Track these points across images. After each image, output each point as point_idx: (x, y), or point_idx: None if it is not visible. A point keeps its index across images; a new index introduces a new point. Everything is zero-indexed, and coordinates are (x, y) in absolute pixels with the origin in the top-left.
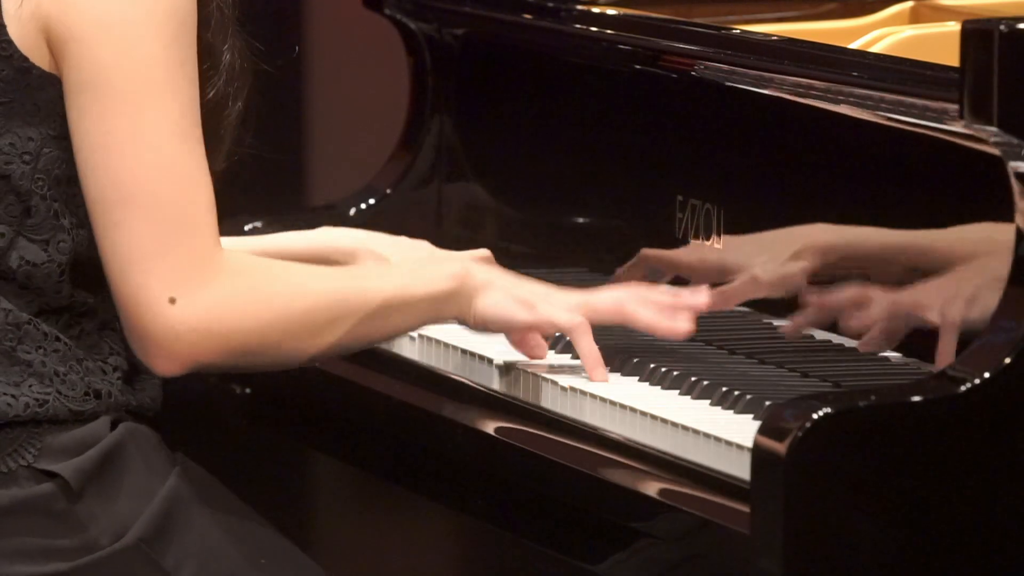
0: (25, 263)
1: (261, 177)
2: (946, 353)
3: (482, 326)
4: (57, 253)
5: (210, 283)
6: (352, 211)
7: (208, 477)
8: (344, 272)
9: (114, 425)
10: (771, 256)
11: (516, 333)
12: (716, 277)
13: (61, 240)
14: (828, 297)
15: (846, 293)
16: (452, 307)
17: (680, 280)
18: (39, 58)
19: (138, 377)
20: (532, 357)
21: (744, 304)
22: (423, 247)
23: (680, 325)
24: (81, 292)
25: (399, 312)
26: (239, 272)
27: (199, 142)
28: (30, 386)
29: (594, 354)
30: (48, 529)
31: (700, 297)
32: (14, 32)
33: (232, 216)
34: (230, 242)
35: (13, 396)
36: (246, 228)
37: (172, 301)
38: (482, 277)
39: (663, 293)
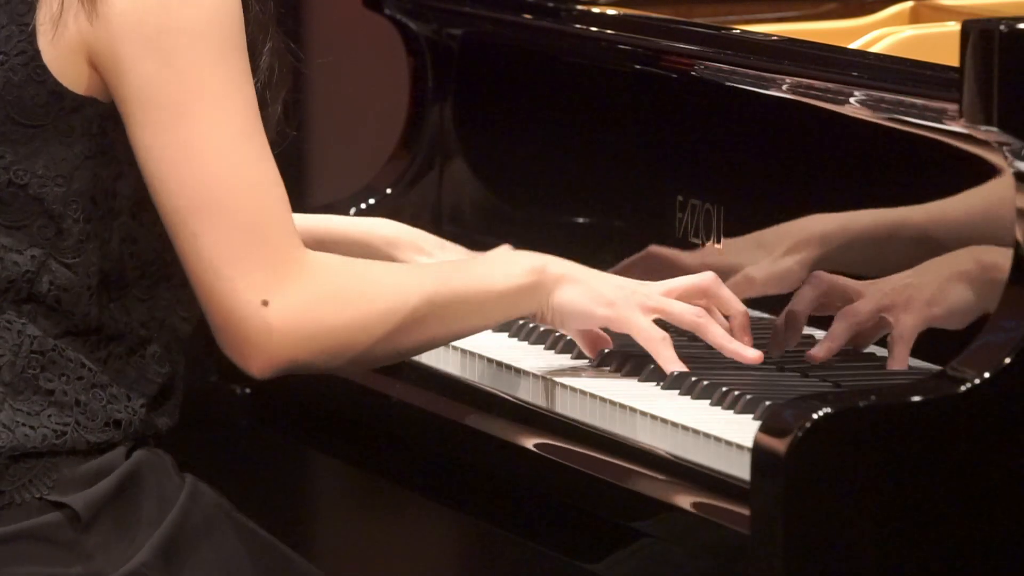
0: (54, 287)
1: None
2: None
3: (559, 320)
4: (86, 276)
5: (300, 282)
6: (352, 211)
7: (216, 498)
8: (428, 269)
9: (129, 452)
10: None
11: (591, 328)
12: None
13: (91, 263)
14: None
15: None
16: (531, 301)
17: None
18: (75, 82)
19: (164, 403)
20: (594, 352)
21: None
22: (461, 252)
23: (748, 352)
24: (109, 314)
25: (483, 307)
26: (326, 270)
27: (263, 141)
28: (49, 416)
29: (674, 362)
30: (53, 558)
31: (753, 353)
32: (49, 59)
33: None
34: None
35: (32, 427)
36: None
37: (265, 303)
38: (560, 270)
39: (727, 329)
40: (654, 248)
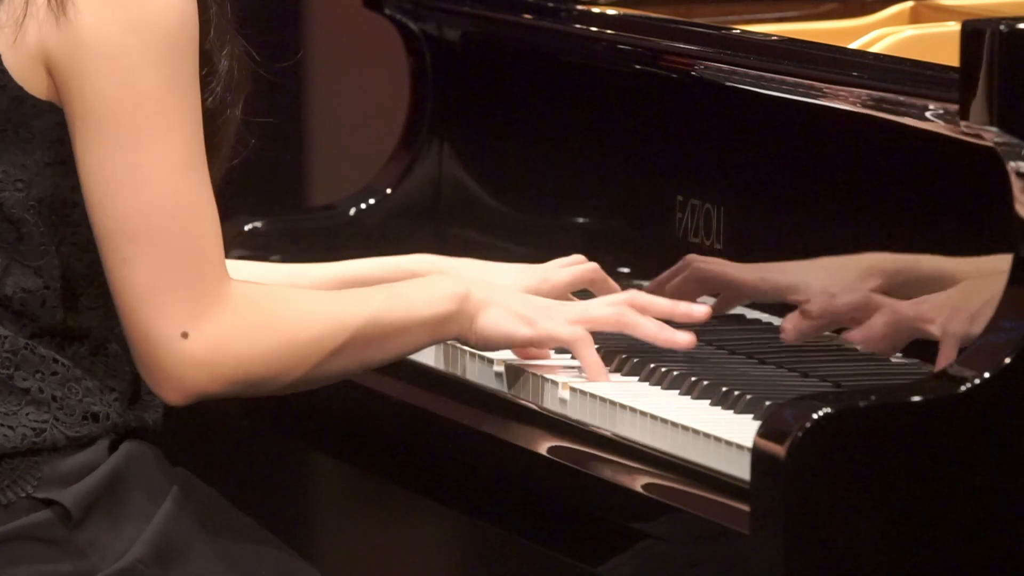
0: (21, 290)
1: (261, 177)
2: (947, 355)
3: (483, 344)
4: (51, 279)
5: (220, 316)
6: (352, 211)
7: (209, 492)
8: (349, 297)
9: (114, 446)
10: (773, 256)
11: (517, 348)
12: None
13: (53, 266)
14: (833, 307)
15: (848, 303)
16: (453, 327)
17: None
18: (35, 87)
19: (140, 398)
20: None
21: (744, 304)
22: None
23: (680, 337)
24: (74, 316)
25: (402, 336)
26: (246, 303)
27: (205, 171)
28: (27, 414)
29: (597, 365)
30: (45, 556)
31: (699, 308)
32: (10, 62)
33: (232, 216)
34: (321, 269)
35: (10, 427)
36: (246, 228)
37: (184, 336)
38: (481, 295)
39: (662, 302)
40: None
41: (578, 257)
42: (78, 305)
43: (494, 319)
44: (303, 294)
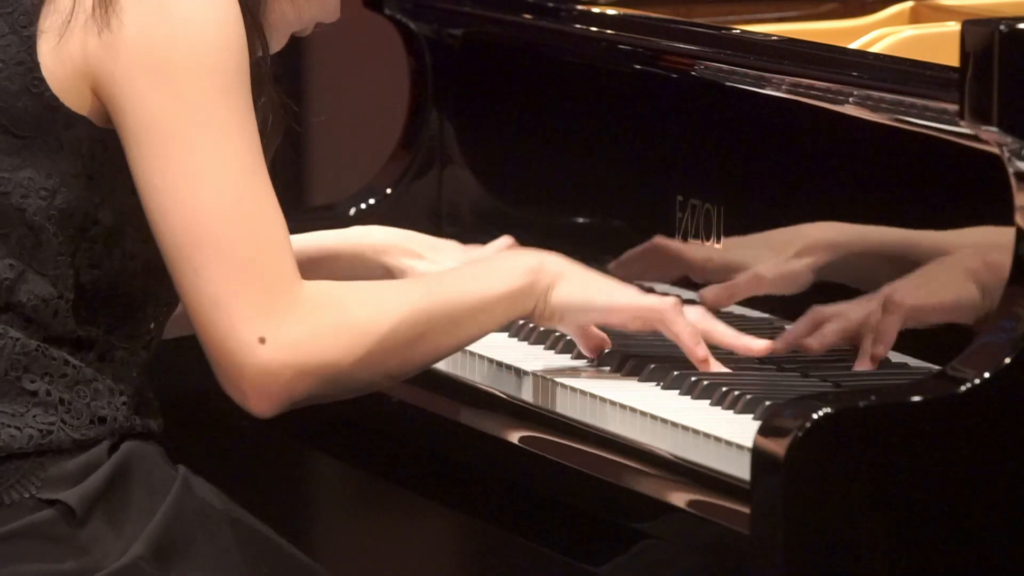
0: (34, 297)
1: None
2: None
3: (558, 317)
4: (64, 288)
5: (297, 318)
6: (352, 211)
7: (210, 489)
8: (423, 283)
9: (116, 446)
10: (774, 256)
11: (593, 319)
12: (719, 277)
13: (68, 275)
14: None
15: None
16: (530, 301)
17: (684, 281)
18: (72, 99)
19: (143, 404)
20: (594, 352)
21: (744, 304)
22: (455, 248)
23: (755, 344)
24: (84, 327)
25: (482, 314)
26: (322, 302)
27: (265, 176)
28: (34, 416)
29: (691, 331)
30: (48, 554)
31: (759, 344)
32: (48, 71)
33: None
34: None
35: (17, 428)
36: None
37: (262, 341)
38: (556, 268)
39: (725, 327)
40: (659, 240)
41: (508, 239)
42: (87, 317)
43: (571, 290)
44: (375, 287)
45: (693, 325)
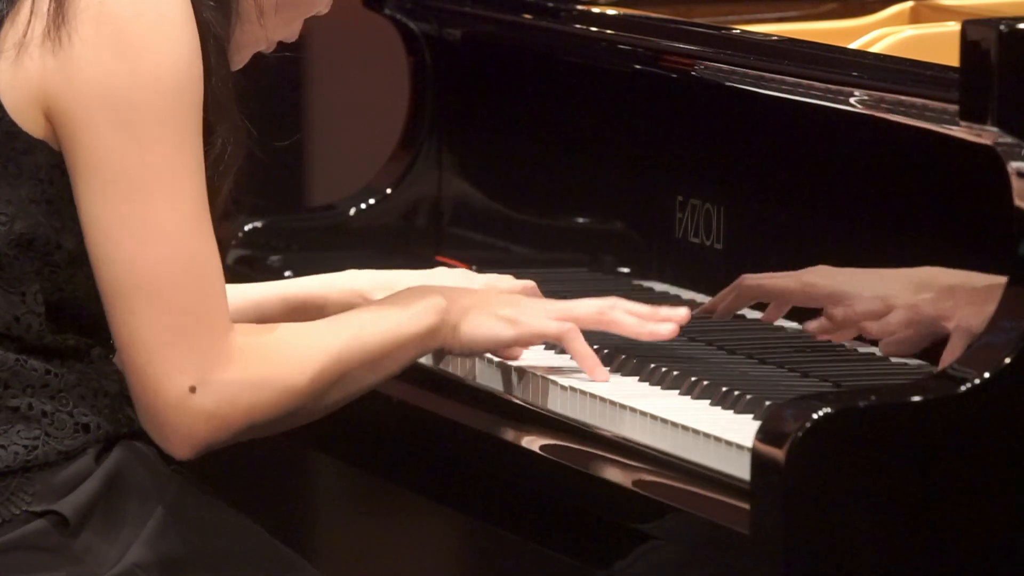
0: (6, 314)
1: (261, 177)
2: (952, 355)
3: (468, 350)
4: (35, 303)
5: (227, 369)
6: (352, 211)
7: (206, 491)
8: (339, 326)
9: (104, 451)
10: (773, 256)
11: (503, 350)
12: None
13: (36, 292)
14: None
15: (864, 307)
16: (438, 339)
17: (684, 280)
18: (30, 124)
19: (127, 400)
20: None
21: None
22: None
23: (662, 328)
24: (60, 337)
25: (395, 354)
26: (249, 353)
27: (208, 224)
28: (18, 432)
29: (590, 355)
30: (42, 564)
31: (680, 312)
32: (7, 96)
33: (232, 216)
34: (264, 288)
35: (2, 446)
36: (246, 228)
37: (193, 390)
38: (463, 303)
39: (642, 306)
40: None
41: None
42: (60, 327)
43: (476, 324)
44: (298, 333)
45: (588, 349)
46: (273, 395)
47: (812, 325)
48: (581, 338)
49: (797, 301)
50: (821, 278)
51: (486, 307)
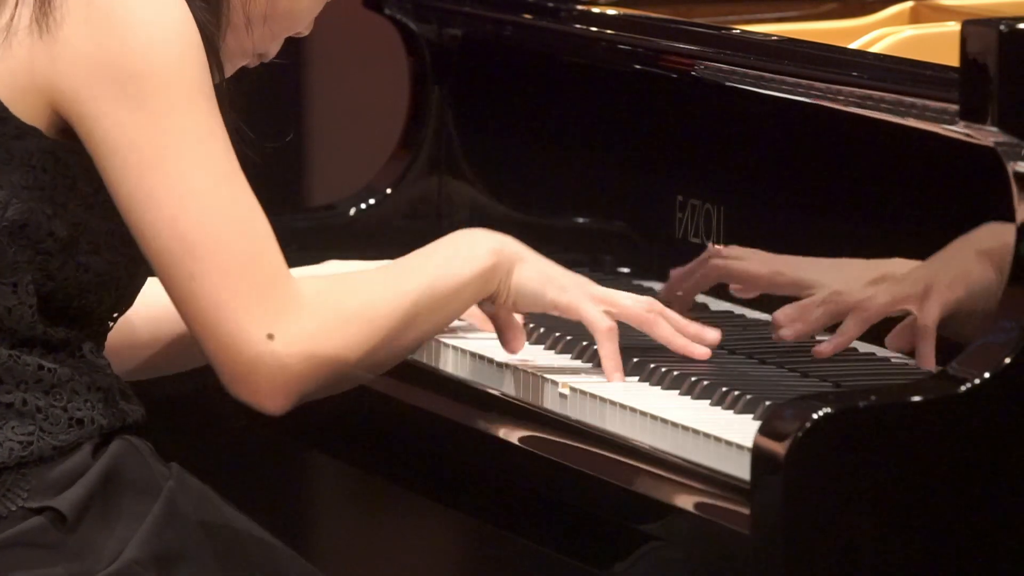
0: None
1: (261, 177)
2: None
3: (512, 299)
4: (26, 295)
5: (302, 312)
6: (352, 211)
7: (202, 488)
8: (407, 270)
9: (101, 446)
10: (773, 256)
11: (505, 343)
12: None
13: (28, 282)
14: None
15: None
16: (494, 282)
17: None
18: (21, 108)
19: (120, 394)
20: (508, 346)
21: (744, 304)
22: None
23: (696, 349)
24: (53, 329)
25: (458, 295)
26: (321, 296)
27: (243, 178)
28: (12, 428)
29: (616, 360)
30: (40, 560)
31: (713, 335)
32: None
33: None
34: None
35: None
36: None
37: (271, 337)
38: (517, 249)
39: (678, 316)
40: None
41: None
42: (53, 319)
43: (529, 275)
44: (365, 277)
45: (617, 354)
46: (351, 335)
47: (826, 348)
48: (616, 340)
49: (763, 287)
50: (787, 267)
51: (539, 263)
